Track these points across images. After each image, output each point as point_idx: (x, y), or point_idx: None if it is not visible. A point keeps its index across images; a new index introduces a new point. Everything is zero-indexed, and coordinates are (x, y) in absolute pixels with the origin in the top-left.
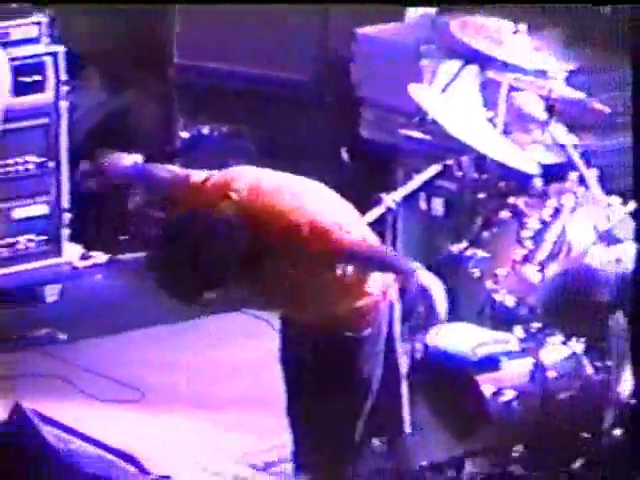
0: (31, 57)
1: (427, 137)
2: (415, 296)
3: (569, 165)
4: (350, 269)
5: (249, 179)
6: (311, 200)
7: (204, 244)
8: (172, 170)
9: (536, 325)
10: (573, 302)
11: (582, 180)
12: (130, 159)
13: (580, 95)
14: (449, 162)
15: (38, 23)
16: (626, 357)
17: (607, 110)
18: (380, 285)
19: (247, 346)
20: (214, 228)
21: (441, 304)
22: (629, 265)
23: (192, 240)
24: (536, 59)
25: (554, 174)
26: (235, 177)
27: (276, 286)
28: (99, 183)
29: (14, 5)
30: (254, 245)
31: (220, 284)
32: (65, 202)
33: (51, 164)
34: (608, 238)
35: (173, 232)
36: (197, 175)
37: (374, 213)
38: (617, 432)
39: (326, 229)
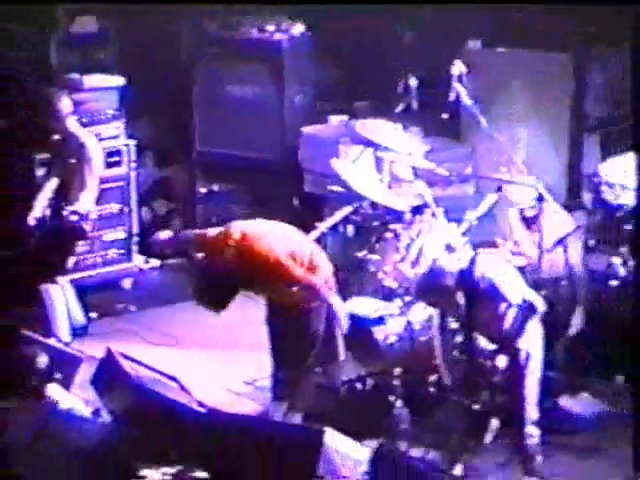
0: (114, 147)
1: (343, 190)
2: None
3: (425, 205)
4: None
5: (241, 231)
6: (278, 244)
7: (217, 276)
8: (194, 231)
9: (408, 299)
10: (431, 285)
11: (434, 214)
12: (165, 234)
13: (432, 165)
14: (356, 205)
15: (118, 127)
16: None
17: (447, 173)
18: (323, 281)
19: (244, 312)
20: (222, 266)
21: (344, 320)
22: (463, 264)
23: (211, 276)
24: (407, 144)
25: (417, 211)
26: (231, 231)
27: (260, 290)
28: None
29: (102, 116)
30: (246, 272)
31: (230, 298)
32: (135, 230)
33: (126, 209)
34: (449, 249)
35: (201, 276)
36: (210, 231)
37: (313, 235)
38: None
39: (285, 267)
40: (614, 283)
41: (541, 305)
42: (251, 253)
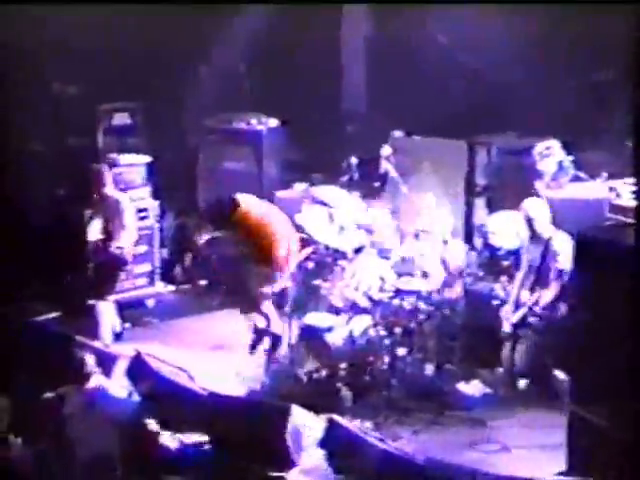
0: (143, 206)
1: (305, 236)
2: None
3: (363, 247)
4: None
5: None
6: (271, 221)
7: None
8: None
9: (350, 314)
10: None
11: (369, 253)
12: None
13: (368, 218)
14: (314, 247)
15: (145, 191)
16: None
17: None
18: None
19: (233, 320)
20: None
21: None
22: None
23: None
24: (350, 204)
25: (357, 251)
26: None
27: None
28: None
29: (134, 184)
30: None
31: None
32: (157, 264)
33: (151, 249)
34: (382, 279)
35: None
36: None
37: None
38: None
39: (274, 242)
40: (495, 302)
41: None
42: (253, 222)
